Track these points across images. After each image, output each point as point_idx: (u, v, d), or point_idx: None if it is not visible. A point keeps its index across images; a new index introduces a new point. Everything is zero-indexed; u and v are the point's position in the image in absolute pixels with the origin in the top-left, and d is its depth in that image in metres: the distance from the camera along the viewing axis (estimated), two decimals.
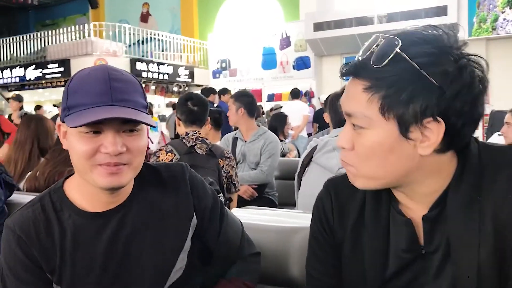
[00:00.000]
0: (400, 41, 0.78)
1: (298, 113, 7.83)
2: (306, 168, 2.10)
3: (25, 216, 1.06)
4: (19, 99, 8.52)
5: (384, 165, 0.83)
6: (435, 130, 0.79)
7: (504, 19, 10.84)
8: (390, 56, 0.78)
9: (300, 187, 2.22)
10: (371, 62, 0.79)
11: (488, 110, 5.89)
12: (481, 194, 0.83)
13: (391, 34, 0.81)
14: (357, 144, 0.85)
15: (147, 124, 1.00)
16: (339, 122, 2.09)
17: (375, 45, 0.81)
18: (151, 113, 8.57)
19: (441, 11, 10.75)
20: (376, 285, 0.92)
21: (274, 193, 3.60)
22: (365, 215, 0.95)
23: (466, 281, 0.83)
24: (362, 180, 0.88)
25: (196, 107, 2.56)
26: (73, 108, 0.98)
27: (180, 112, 2.61)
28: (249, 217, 1.65)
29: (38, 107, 10.61)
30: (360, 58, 0.83)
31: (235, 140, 3.61)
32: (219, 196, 2.14)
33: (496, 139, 4.05)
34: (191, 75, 14.21)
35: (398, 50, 0.78)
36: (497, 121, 4.89)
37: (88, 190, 1.05)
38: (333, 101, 2.11)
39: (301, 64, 12.85)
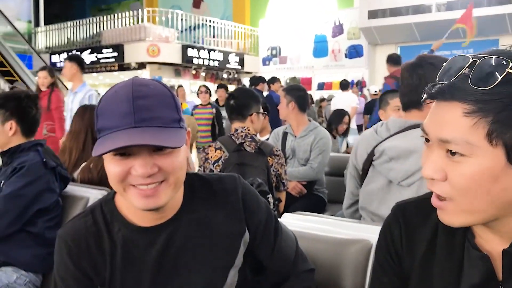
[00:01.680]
0: (509, 61, 0.70)
1: (346, 105, 7.70)
2: (368, 173, 2.00)
3: (77, 228, 1.05)
4: None
5: (487, 196, 0.74)
6: None
7: None
8: (501, 77, 0.70)
9: (348, 184, 2.14)
10: (470, 83, 0.71)
11: None
12: None
13: (483, 53, 0.74)
14: (453, 174, 0.75)
15: (169, 147, 0.93)
16: (409, 103, 1.87)
17: (466, 66, 0.73)
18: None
19: None
20: None
21: (323, 190, 3.53)
22: (437, 246, 0.88)
23: None
24: (462, 216, 0.78)
25: (233, 100, 2.55)
26: (101, 131, 0.95)
27: (226, 109, 2.62)
28: (300, 224, 1.61)
29: None
30: (454, 79, 0.74)
31: (285, 134, 3.54)
32: (268, 197, 2.11)
33: None
34: (241, 62, 14.21)
35: (510, 70, 0.69)
36: None
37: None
38: (408, 72, 1.84)
39: (354, 52, 12.59)
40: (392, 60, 6.13)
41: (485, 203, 0.75)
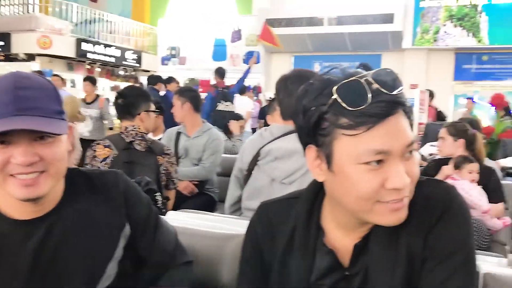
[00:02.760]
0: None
1: (243, 110, 7.92)
2: (252, 172, 2.13)
3: None
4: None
5: None
6: None
7: (445, 32, 11.38)
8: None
9: (232, 186, 2.26)
10: (399, 91, 0.83)
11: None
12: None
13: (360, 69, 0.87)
14: (413, 171, 0.85)
15: (49, 134, 0.96)
16: (286, 112, 2.07)
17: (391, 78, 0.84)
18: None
19: (388, 18, 11.13)
20: None
21: (214, 189, 3.63)
22: (295, 242, 0.98)
23: None
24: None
25: (121, 99, 2.58)
26: None
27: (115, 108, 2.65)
28: (185, 221, 1.68)
29: None
30: (395, 92, 0.82)
31: (178, 134, 3.59)
32: (156, 195, 2.15)
33: (428, 149, 4.28)
34: (139, 60, 13.92)
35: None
36: (431, 132, 5.15)
37: (11, 197, 1.01)
38: (280, 83, 2.03)
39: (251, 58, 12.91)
40: (218, 73, 7.42)
41: None
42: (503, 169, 4.04)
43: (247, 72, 7.92)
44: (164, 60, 14.34)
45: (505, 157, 4.41)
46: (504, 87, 10.76)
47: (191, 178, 3.45)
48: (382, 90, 0.80)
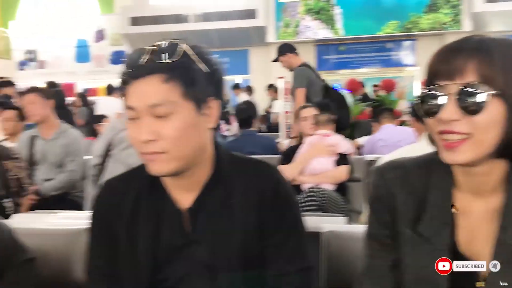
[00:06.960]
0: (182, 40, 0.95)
1: (112, 110, 7.65)
2: (106, 165, 2.05)
3: None
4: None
5: (191, 143, 0.93)
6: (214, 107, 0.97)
7: (305, 25, 12.07)
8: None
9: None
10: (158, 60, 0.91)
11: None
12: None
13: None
14: (165, 131, 0.90)
15: None
16: None
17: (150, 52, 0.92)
18: None
19: (251, 14, 11.52)
20: (148, 272, 0.97)
21: (79, 194, 3.42)
22: (141, 207, 1.01)
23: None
24: (173, 163, 0.93)
25: None
26: None
27: None
28: (33, 221, 1.59)
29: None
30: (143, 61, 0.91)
31: (33, 138, 3.33)
32: (3, 202, 1.98)
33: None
34: None
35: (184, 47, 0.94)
36: None
37: None
38: None
39: (118, 58, 12.47)
40: None
41: (190, 149, 0.93)
42: (359, 147, 4.37)
43: None
44: (22, 65, 13.25)
45: (360, 137, 4.76)
46: (361, 74, 11.67)
47: (58, 190, 3.22)
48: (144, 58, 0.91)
